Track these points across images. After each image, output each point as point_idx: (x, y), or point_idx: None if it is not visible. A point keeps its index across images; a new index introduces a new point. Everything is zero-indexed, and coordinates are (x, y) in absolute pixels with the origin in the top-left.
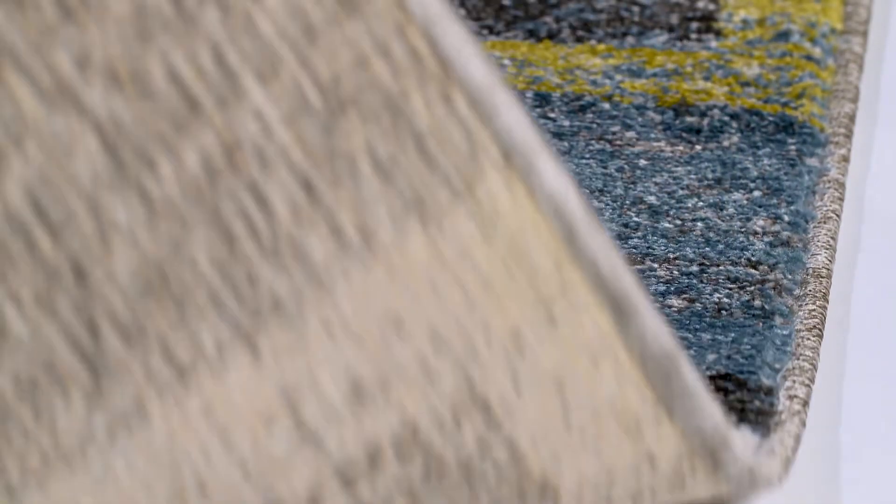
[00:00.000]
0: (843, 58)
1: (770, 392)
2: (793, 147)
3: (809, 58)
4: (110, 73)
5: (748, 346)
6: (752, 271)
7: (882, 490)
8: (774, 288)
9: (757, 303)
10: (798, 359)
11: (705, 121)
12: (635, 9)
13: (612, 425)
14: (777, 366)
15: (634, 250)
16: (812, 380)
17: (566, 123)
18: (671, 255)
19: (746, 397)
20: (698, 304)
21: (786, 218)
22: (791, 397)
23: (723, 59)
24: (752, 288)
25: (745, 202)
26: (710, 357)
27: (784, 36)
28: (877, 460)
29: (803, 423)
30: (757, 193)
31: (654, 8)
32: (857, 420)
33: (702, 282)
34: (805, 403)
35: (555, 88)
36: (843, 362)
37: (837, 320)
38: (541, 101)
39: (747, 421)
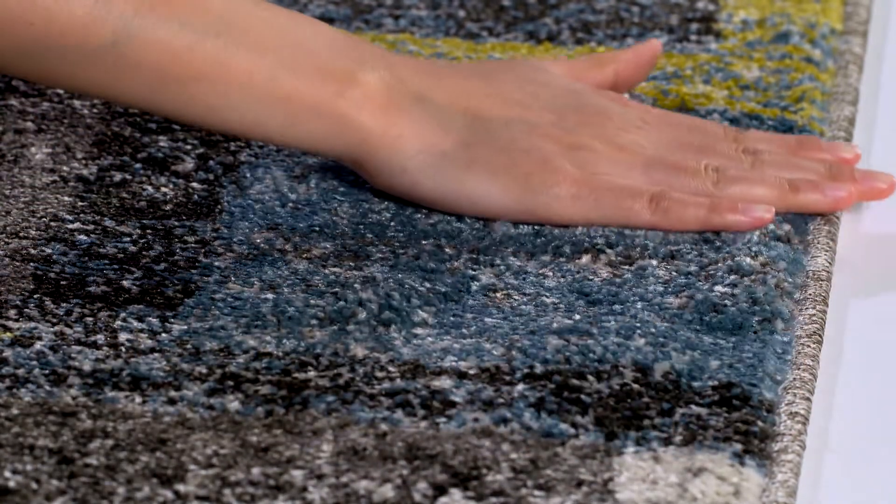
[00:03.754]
0: (842, 59)
1: (771, 409)
2: None
3: (809, 60)
4: None
5: (749, 354)
6: (753, 273)
7: (865, 487)
8: (775, 288)
9: (757, 307)
10: (798, 368)
11: None
12: (635, 9)
13: None
14: (778, 377)
15: (632, 245)
16: (812, 391)
17: None
18: (671, 251)
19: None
20: (697, 304)
21: (785, 218)
22: (792, 415)
23: (722, 61)
24: (752, 291)
25: None
26: (713, 364)
27: (784, 37)
28: (864, 457)
29: (803, 446)
30: None
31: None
32: (849, 419)
33: (700, 280)
34: (805, 421)
35: None
36: (839, 360)
37: (836, 320)
38: None
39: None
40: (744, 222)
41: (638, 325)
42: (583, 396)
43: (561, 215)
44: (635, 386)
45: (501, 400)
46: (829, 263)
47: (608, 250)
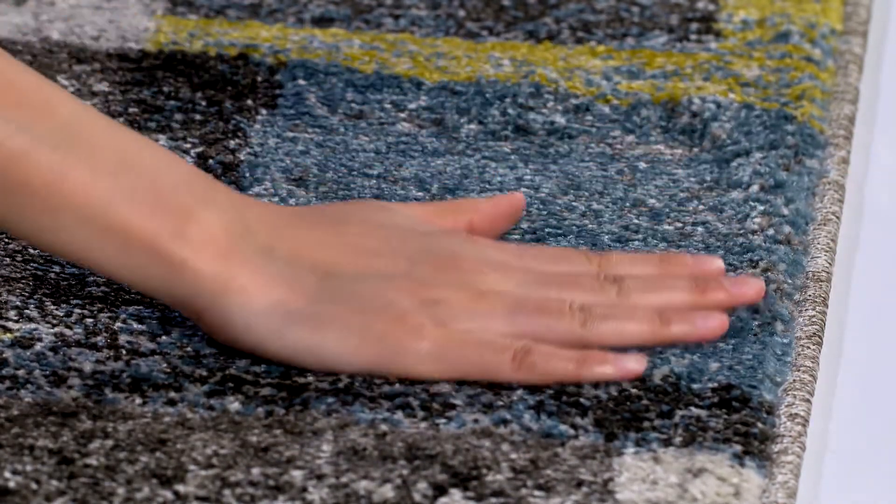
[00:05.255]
0: (842, 59)
1: (771, 410)
2: (792, 149)
3: (809, 59)
4: None
5: (749, 356)
6: (753, 276)
7: (865, 487)
8: (775, 292)
9: (758, 314)
10: (798, 370)
11: (704, 123)
12: (635, 9)
13: None
14: (778, 379)
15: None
16: (812, 393)
17: (563, 123)
18: None
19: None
20: None
21: (786, 220)
22: (792, 416)
23: (722, 60)
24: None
25: (743, 203)
26: (713, 366)
27: (784, 37)
28: (864, 458)
29: (803, 447)
30: (757, 194)
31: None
32: (849, 420)
33: None
34: (805, 422)
35: (551, 83)
36: (839, 362)
37: (836, 322)
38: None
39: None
40: (613, 375)
41: None
42: (581, 400)
43: (420, 373)
44: (633, 390)
45: (501, 402)
46: (829, 264)
47: None
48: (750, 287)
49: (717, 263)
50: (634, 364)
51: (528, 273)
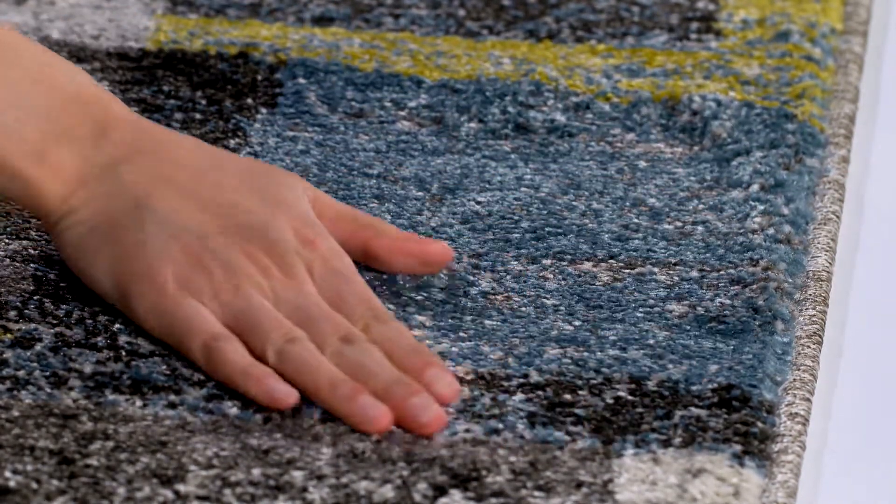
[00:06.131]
0: (843, 58)
1: (771, 410)
2: (792, 148)
3: (809, 58)
4: None
5: (749, 356)
6: (753, 275)
7: (863, 486)
8: (775, 292)
9: (759, 315)
10: (798, 369)
11: (704, 121)
12: (635, 9)
13: None
14: (778, 378)
15: (634, 253)
16: (812, 392)
17: (563, 121)
18: (672, 260)
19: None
20: (698, 316)
21: (786, 219)
22: (792, 415)
23: (723, 59)
24: (753, 292)
25: (743, 203)
26: (712, 368)
27: (784, 36)
28: (864, 457)
29: (803, 447)
30: (757, 193)
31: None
32: (849, 419)
33: (702, 288)
34: (805, 421)
35: (552, 82)
36: (839, 361)
37: (836, 321)
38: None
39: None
40: (259, 397)
41: (636, 336)
42: (577, 410)
43: (143, 323)
44: (630, 397)
45: (496, 411)
46: (830, 264)
47: (610, 260)
48: (429, 420)
49: (453, 388)
50: (283, 395)
51: (291, 291)
